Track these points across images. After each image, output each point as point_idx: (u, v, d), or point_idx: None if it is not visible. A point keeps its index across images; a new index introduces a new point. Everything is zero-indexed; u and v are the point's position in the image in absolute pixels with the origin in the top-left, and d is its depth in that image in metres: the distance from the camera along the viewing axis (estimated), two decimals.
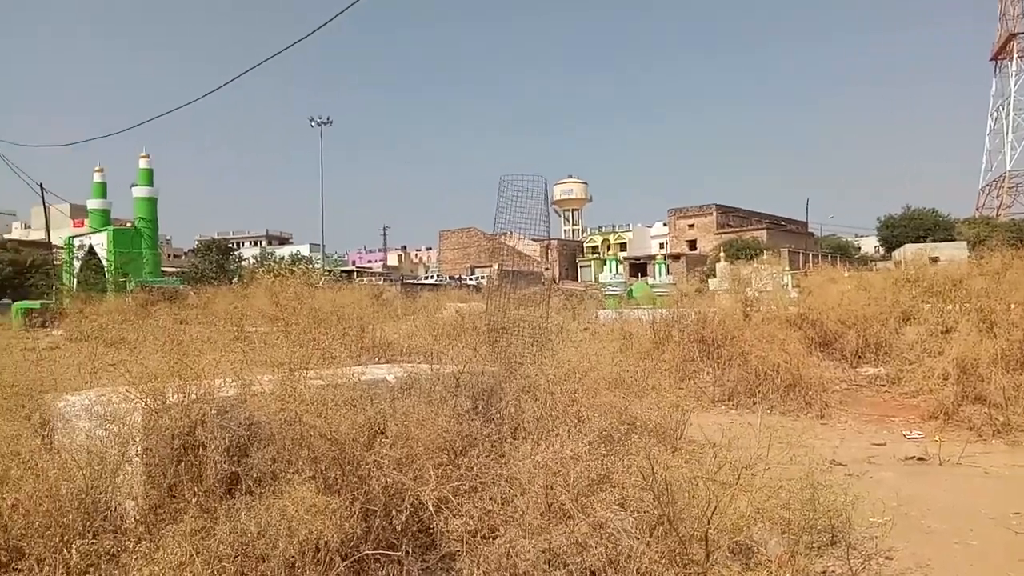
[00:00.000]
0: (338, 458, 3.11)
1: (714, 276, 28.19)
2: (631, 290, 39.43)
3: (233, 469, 3.08)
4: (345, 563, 2.71)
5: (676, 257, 67.60)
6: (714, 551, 3.14)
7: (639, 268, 69.49)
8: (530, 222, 8.77)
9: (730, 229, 74.68)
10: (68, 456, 3.11)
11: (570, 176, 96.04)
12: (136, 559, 2.52)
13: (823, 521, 3.61)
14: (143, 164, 44.13)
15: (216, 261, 51.35)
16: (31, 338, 16.68)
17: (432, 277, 76.05)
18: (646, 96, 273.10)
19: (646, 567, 2.96)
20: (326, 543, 2.67)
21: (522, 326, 6.99)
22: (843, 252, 62.36)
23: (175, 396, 3.41)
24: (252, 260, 56.03)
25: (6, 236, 65.87)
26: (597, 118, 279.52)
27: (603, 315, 15.86)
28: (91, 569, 2.60)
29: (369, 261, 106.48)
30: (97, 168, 46.60)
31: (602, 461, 3.31)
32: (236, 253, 58.53)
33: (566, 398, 4.56)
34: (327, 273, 20.31)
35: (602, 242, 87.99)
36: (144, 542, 2.64)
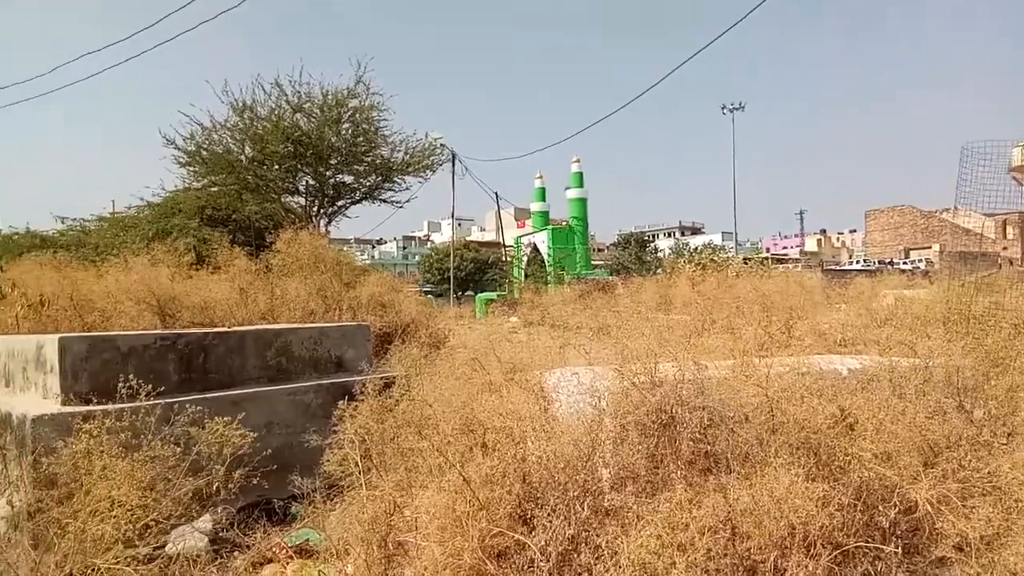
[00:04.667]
0: (813, 447, 3.09)
1: None
2: None
3: (707, 447, 3.27)
4: (829, 554, 2.68)
5: None
6: None
7: None
8: (999, 195, 7.53)
9: None
10: (565, 422, 3.64)
11: None
12: (634, 519, 2.85)
13: None
14: (575, 168, 48.96)
15: (634, 253, 54.44)
16: (495, 324, 19.77)
17: (858, 261, 69.57)
18: None
19: None
20: (808, 530, 2.68)
21: (1000, 315, 6.01)
22: None
23: (645, 375, 3.74)
24: (667, 251, 58.02)
25: (468, 239, 78.86)
26: None
27: None
28: (596, 524, 3.01)
29: (784, 247, 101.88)
30: (537, 175, 53.15)
31: None
32: (652, 245, 61.23)
33: None
34: (745, 261, 20.00)
35: None
36: (636, 505, 2.97)
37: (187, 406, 4.51)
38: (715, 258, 21.84)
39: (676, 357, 3.85)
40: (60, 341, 4.82)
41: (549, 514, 3.09)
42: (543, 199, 52.88)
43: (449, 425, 3.92)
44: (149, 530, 3.35)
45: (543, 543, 2.96)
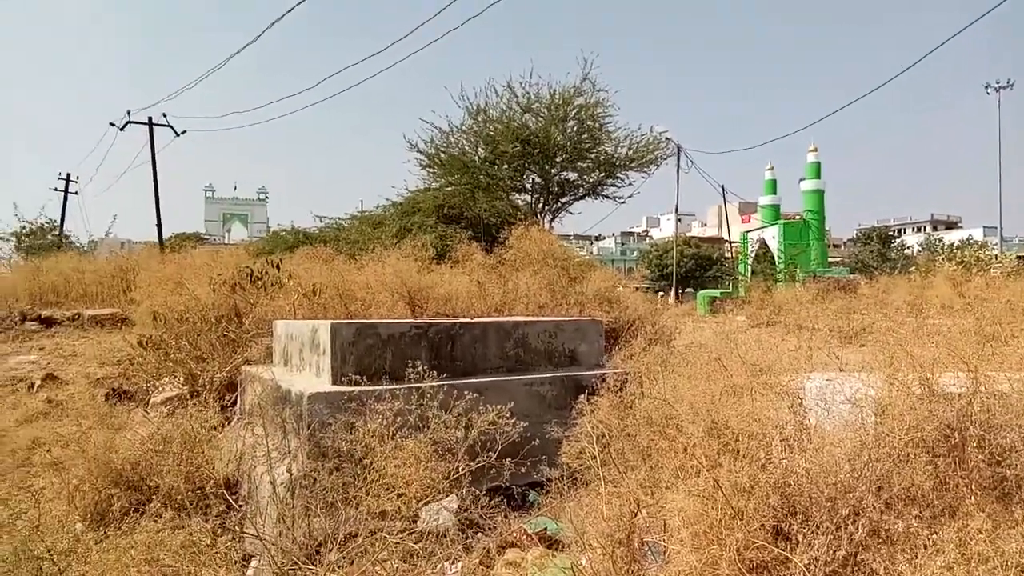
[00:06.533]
0: None
1: None
2: None
3: (1006, 472, 2.84)
4: None
5: None
6: None
7: None
8: None
9: None
10: (829, 433, 3.36)
11: None
12: (919, 546, 2.54)
13: None
14: (811, 158, 45.74)
15: (877, 250, 49.68)
16: (719, 323, 19.04)
17: None
18: None
19: None
20: None
21: None
22: None
23: (925, 387, 3.34)
24: (917, 247, 52.43)
25: (688, 234, 76.76)
26: None
27: None
28: (869, 545, 2.72)
29: None
30: (768, 167, 50.39)
31: None
32: (899, 240, 55.58)
33: None
34: (1020, 259, 17.46)
35: None
36: (920, 530, 2.65)
37: (459, 391, 4.81)
38: (981, 255, 19.26)
39: (966, 368, 3.39)
40: (332, 326, 5.34)
41: (813, 530, 2.86)
42: (774, 191, 50.05)
43: (695, 427, 3.78)
44: (417, 506, 3.61)
45: (807, 561, 2.74)
